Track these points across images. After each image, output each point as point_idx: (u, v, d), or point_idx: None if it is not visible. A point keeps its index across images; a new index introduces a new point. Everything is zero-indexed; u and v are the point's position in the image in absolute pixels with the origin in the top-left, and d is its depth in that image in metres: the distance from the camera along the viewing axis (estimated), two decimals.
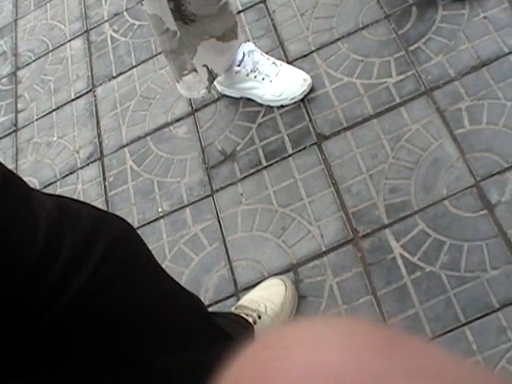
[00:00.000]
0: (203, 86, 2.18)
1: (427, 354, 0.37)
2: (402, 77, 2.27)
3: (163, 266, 2.12)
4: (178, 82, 2.20)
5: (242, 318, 1.83)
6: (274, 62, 2.35)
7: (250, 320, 1.84)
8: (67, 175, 2.57)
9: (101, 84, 2.79)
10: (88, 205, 1.27)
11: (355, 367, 0.35)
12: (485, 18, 2.25)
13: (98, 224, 1.18)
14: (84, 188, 2.50)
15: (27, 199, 1.11)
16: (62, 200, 1.19)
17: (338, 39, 2.43)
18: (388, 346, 0.37)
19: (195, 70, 2.13)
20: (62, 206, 1.15)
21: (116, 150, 2.55)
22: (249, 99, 2.40)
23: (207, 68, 2.17)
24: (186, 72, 2.14)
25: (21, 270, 1.05)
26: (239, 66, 2.31)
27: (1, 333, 1.04)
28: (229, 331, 1.67)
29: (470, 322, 1.78)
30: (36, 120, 2.81)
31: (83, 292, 1.11)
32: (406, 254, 1.93)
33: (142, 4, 1.99)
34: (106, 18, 3.02)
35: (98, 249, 1.14)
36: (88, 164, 2.56)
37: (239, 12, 2.68)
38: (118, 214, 2.32)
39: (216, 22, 2.12)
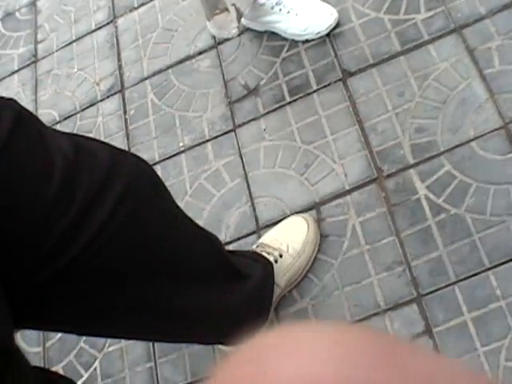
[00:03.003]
0: (234, 25, 2.15)
1: (426, 362, 0.35)
2: (431, 13, 2.21)
3: (184, 202, 2.13)
4: (208, 20, 2.16)
5: (263, 256, 1.82)
6: None
7: (271, 258, 1.83)
8: (87, 107, 2.54)
9: (122, 15, 2.74)
10: (105, 144, 1.25)
11: (347, 380, 0.32)
12: None
13: (115, 165, 1.16)
14: (104, 121, 2.47)
15: (43, 138, 1.09)
16: (78, 139, 1.17)
17: None
18: (383, 357, 0.35)
19: (227, 9, 2.10)
20: (79, 146, 1.13)
21: (137, 83, 2.51)
22: (273, 33, 2.35)
23: (235, 7, 2.13)
24: (217, 11, 2.11)
25: (37, 208, 1.03)
26: None
27: (18, 274, 1.03)
28: (247, 271, 1.66)
29: (495, 266, 1.76)
30: (56, 51, 2.77)
31: (101, 232, 1.10)
32: (430, 196, 1.90)
33: None
34: None
35: (115, 190, 1.13)
36: (108, 96, 2.53)
37: None
38: (138, 147, 2.32)
39: None
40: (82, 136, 1.23)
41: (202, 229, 1.53)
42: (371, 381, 0.32)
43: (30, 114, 1.11)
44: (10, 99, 1.08)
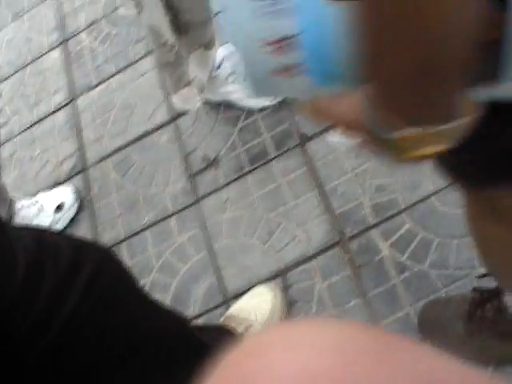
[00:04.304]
0: (199, 97, 2.17)
1: (426, 359, 0.35)
2: None
3: (151, 278, 2.13)
4: (174, 94, 2.18)
5: (231, 328, 1.81)
6: None
7: (240, 330, 1.82)
8: (52, 188, 2.54)
9: (80, 95, 2.76)
10: (66, 236, 1.26)
11: (349, 375, 0.32)
12: None
13: (77, 256, 1.17)
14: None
15: (3, 234, 1.09)
16: (39, 233, 1.18)
17: None
18: (383, 352, 0.35)
19: (191, 82, 2.12)
20: (41, 240, 1.13)
21: (99, 161, 2.52)
22: (229, 104, 2.37)
23: (197, 79, 2.16)
24: (183, 85, 2.13)
25: (1, 306, 1.03)
26: (218, 69, 2.28)
27: None
28: (215, 345, 1.65)
29: None
30: (17, 134, 2.78)
31: (69, 324, 1.09)
32: (394, 254, 1.90)
33: (140, 13, 1.97)
34: (82, 27, 2.98)
35: (80, 280, 1.13)
36: (72, 177, 2.53)
37: (215, 14, 2.65)
38: (104, 226, 2.31)
39: (206, 28, 2.12)
40: (43, 229, 1.24)
41: (166, 308, 1.53)
42: (370, 375, 0.33)
43: None
44: None
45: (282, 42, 0.70)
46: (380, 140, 0.66)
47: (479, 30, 0.54)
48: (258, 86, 0.78)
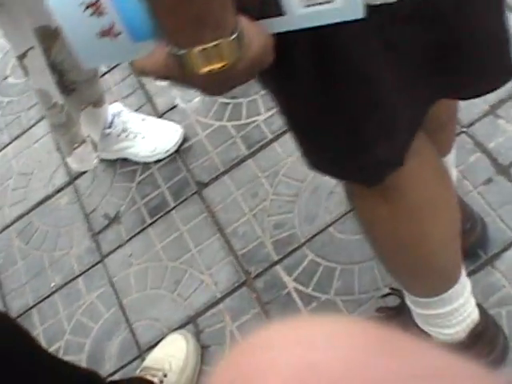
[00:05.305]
0: (94, 155, 2.18)
1: (425, 354, 0.36)
2: (271, 112, 2.30)
3: (64, 340, 2.12)
4: (69, 156, 2.18)
5: (147, 380, 1.82)
6: (143, 119, 2.37)
7: (156, 380, 1.83)
8: None
9: None
10: None
11: (350, 369, 0.33)
12: None
13: None
14: None
15: None
16: None
17: None
18: (384, 346, 0.36)
19: (84, 142, 2.13)
20: None
21: (1, 231, 2.51)
22: (125, 159, 2.40)
23: (90, 137, 2.17)
24: (76, 145, 2.13)
25: None
26: (110, 128, 2.31)
27: None
28: None
29: None
30: None
31: None
32: (299, 287, 1.94)
33: (28, 78, 1.98)
34: None
35: None
36: None
37: (104, 74, 2.68)
38: (12, 295, 2.30)
39: (93, 86, 2.14)
40: None
41: (79, 368, 1.53)
42: (369, 370, 0.33)
43: None
44: None
45: (98, 3, 0.78)
46: (179, 66, 0.77)
47: None
48: (87, 53, 0.83)
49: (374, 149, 1.07)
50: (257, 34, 0.79)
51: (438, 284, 1.42)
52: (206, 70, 0.76)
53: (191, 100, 2.44)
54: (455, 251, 1.37)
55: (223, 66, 0.76)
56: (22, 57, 1.93)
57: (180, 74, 0.79)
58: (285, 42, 0.85)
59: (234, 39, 0.75)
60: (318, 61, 0.94)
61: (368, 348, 0.35)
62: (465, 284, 1.46)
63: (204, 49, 0.74)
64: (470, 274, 1.61)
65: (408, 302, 1.54)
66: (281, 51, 0.84)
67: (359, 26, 0.82)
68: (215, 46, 0.74)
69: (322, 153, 1.14)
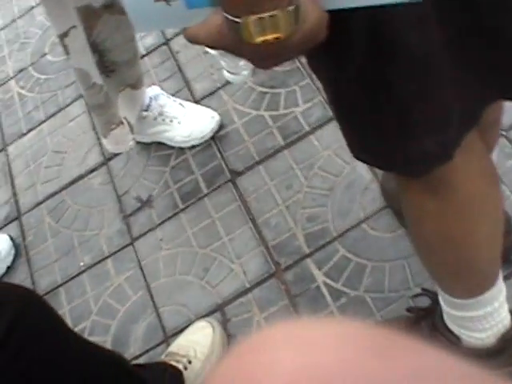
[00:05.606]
0: (130, 137, 2.17)
1: (424, 356, 0.36)
2: (309, 105, 2.29)
3: (91, 320, 2.12)
4: (105, 137, 2.18)
5: (171, 366, 1.82)
6: (180, 103, 2.36)
7: (180, 366, 1.83)
8: None
9: (12, 142, 2.76)
10: None
11: (349, 371, 0.33)
12: None
13: None
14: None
15: None
16: None
17: None
18: (383, 348, 0.36)
19: (121, 123, 2.12)
20: None
21: (32, 208, 2.52)
22: (160, 143, 2.40)
23: (126, 120, 2.17)
24: (113, 126, 2.13)
25: None
26: (146, 111, 2.31)
27: None
28: (156, 383, 1.66)
29: None
30: None
31: None
32: (329, 282, 1.93)
33: (69, 58, 1.97)
34: (11, 75, 2.99)
35: (1, 325, 1.13)
36: (6, 225, 2.52)
37: (143, 56, 2.67)
38: (41, 272, 2.31)
39: (132, 68, 2.12)
40: None
41: (101, 348, 1.53)
42: (370, 372, 0.33)
43: None
44: None
45: None
46: (233, 34, 0.76)
47: None
48: (140, 16, 0.82)
49: (423, 140, 1.06)
50: (313, 9, 0.78)
51: (477, 285, 1.40)
52: (259, 40, 0.75)
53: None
54: (497, 252, 1.35)
55: (277, 38, 0.75)
56: (63, 36, 1.92)
57: (233, 42, 0.78)
58: (340, 24, 0.84)
59: (290, 11, 0.74)
60: (373, 46, 0.93)
61: (364, 349, 0.35)
62: (501, 288, 1.44)
63: (260, 18, 0.73)
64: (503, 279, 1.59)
65: (442, 303, 1.52)
66: (336, 34, 0.83)
67: (417, 13, 0.81)
68: (271, 16, 0.73)
69: (369, 141, 1.13)
